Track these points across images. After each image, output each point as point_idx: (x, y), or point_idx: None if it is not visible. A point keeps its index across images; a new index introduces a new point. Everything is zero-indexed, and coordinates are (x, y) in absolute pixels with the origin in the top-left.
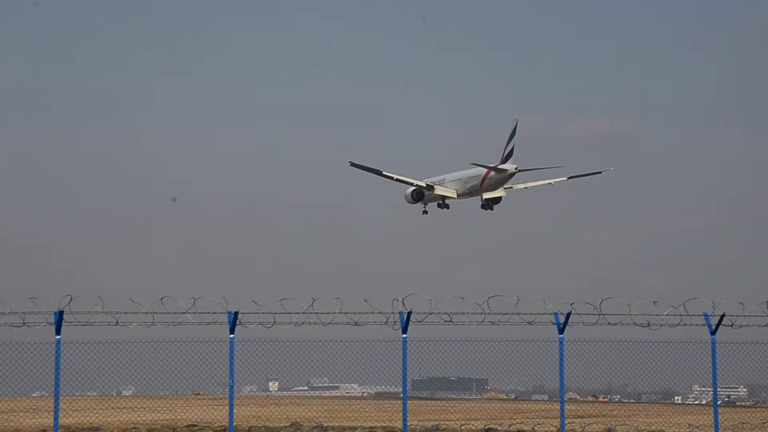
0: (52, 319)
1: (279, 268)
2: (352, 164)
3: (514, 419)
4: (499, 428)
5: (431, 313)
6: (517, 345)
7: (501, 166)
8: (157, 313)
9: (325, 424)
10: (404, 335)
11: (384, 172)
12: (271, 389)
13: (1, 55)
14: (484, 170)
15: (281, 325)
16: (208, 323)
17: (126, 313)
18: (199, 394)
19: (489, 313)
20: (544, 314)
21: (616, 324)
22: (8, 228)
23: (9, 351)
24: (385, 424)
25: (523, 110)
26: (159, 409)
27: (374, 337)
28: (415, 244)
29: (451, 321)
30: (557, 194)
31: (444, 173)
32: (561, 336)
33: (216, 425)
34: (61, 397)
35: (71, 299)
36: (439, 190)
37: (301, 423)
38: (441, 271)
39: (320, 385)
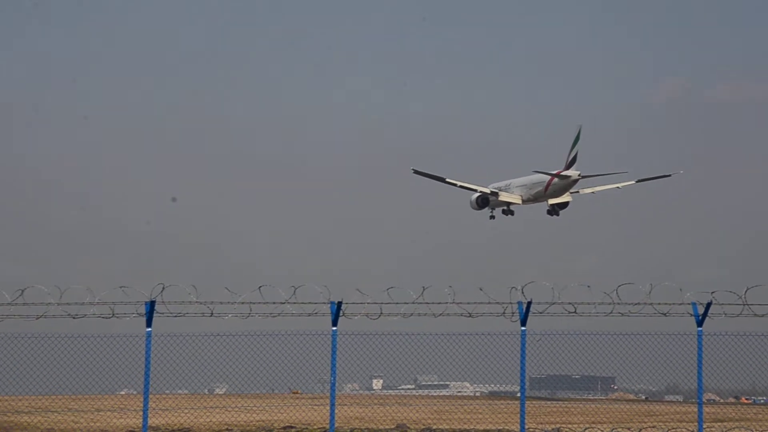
0: (142, 309)
1: (386, 254)
2: (416, 171)
3: (645, 422)
4: None
5: (553, 303)
6: (650, 339)
7: (564, 173)
8: (254, 303)
9: (434, 427)
10: (523, 328)
11: (448, 179)
12: (375, 387)
13: None
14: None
15: (388, 316)
16: (309, 314)
17: (221, 303)
18: (296, 393)
19: (618, 303)
20: (680, 304)
21: (763, 315)
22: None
23: (97, 344)
24: (500, 427)
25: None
26: (253, 408)
27: (490, 330)
28: (527, 235)
29: (575, 312)
30: (625, 199)
31: (511, 178)
32: (700, 329)
33: (315, 427)
34: (150, 395)
35: (164, 288)
36: (503, 197)
37: (407, 425)
38: (562, 259)
39: (429, 383)
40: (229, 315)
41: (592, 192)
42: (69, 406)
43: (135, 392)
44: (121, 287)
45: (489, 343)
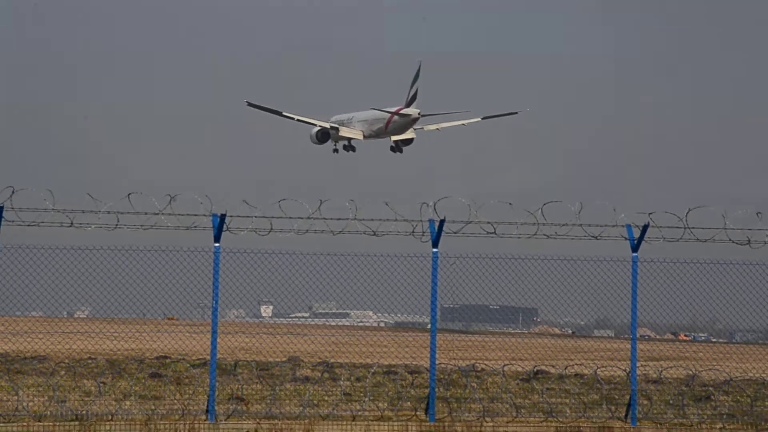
0: None
1: (279, 162)
2: (249, 104)
3: (571, 359)
4: (552, 371)
5: (470, 222)
6: (578, 265)
7: (404, 111)
8: (122, 213)
9: (331, 360)
10: (435, 249)
11: (284, 113)
12: (263, 315)
13: None
14: None
15: (279, 232)
16: (188, 228)
17: (83, 212)
18: (172, 319)
19: (543, 224)
20: (614, 226)
21: (706, 240)
22: None
23: None
24: (406, 362)
25: None
26: (121, 335)
27: (397, 252)
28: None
29: (494, 232)
30: (470, 134)
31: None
32: (635, 254)
33: (193, 358)
34: None
35: (14, 192)
36: (344, 132)
37: (300, 358)
38: (480, 175)
39: (326, 311)
40: (93, 226)
41: (437, 129)
42: None
43: None
44: None
45: (395, 266)
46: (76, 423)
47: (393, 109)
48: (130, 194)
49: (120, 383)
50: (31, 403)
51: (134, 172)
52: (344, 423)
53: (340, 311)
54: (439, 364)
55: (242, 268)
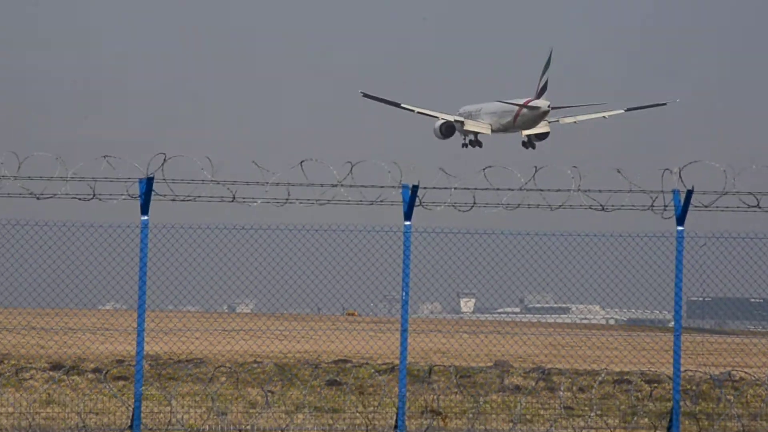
0: (135, 189)
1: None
2: (365, 95)
3: None
4: None
5: (725, 193)
6: None
7: (533, 103)
8: (293, 185)
9: (548, 366)
10: (680, 227)
11: (403, 105)
12: (464, 309)
13: None
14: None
15: (485, 207)
16: (372, 202)
17: (247, 183)
18: (353, 314)
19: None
20: None
21: None
22: None
23: (70, 236)
24: (643, 369)
25: None
26: (293, 335)
27: (631, 231)
28: None
29: (757, 206)
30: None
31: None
32: None
33: (379, 361)
34: (147, 313)
35: (165, 160)
36: (469, 125)
37: (509, 363)
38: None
39: (541, 305)
40: (259, 201)
41: (574, 122)
42: (32, 323)
43: (125, 307)
44: (104, 157)
45: (628, 248)
46: None
47: (521, 101)
48: (302, 161)
49: (291, 392)
50: (186, 416)
51: (302, 139)
52: None
53: (559, 305)
54: (685, 371)
55: (438, 253)
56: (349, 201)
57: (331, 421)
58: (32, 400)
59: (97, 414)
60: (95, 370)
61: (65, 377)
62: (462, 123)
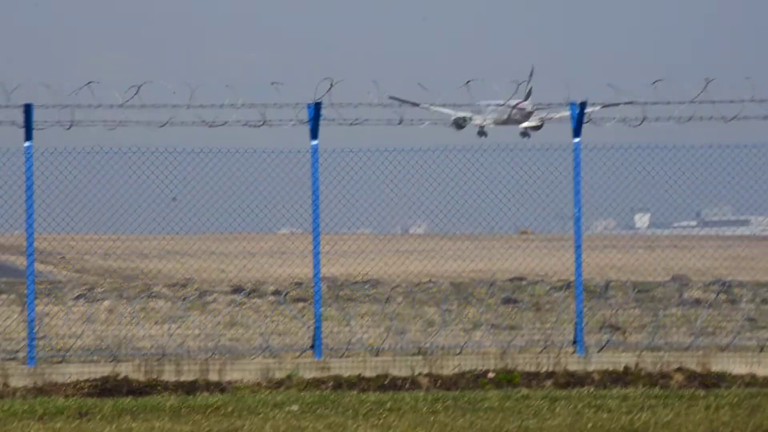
0: (304, 114)
1: None
2: (392, 98)
3: None
4: None
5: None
6: None
7: (521, 105)
8: (459, 105)
9: (728, 278)
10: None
11: (422, 104)
12: (638, 225)
13: None
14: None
15: (655, 121)
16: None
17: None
18: (526, 233)
19: None
20: None
21: None
22: None
23: (243, 163)
24: None
25: None
26: (466, 254)
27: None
28: None
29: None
30: None
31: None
32: None
33: (554, 278)
34: (321, 236)
35: (332, 85)
36: (476, 120)
37: (688, 276)
38: None
39: (719, 218)
40: (426, 123)
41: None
42: (211, 248)
43: (301, 230)
44: (272, 83)
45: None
46: (420, 357)
47: (514, 102)
48: (468, 81)
49: (468, 311)
50: (366, 335)
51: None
52: (749, 355)
53: (738, 218)
54: None
55: (609, 169)
56: (517, 120)
57: (509, 338)
58: (216, 322)
59: (279, 335)
60: (275, 293)
61: (246, 300)
62: (471, 118)
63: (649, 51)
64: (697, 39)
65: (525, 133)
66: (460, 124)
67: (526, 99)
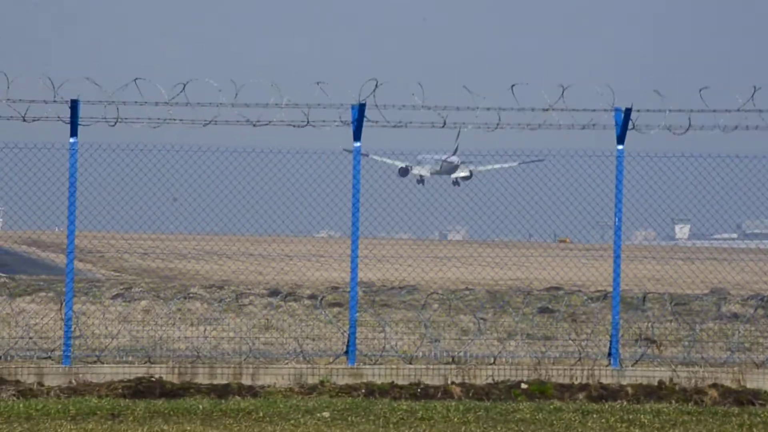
0: (348, 115)
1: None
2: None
3: None
4: None
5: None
6: None
7: (449, 159)
8: (504, 110)
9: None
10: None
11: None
12: (678, 236)
13: None
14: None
15: (700, 130)
16: (583, 127)
17: (458, 109)
18: (565, 241)
19: None
20: None
21: None
22: None
23: (286, 163)
24: None
25: None
26: (504, 262)
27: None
28: None
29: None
30: None
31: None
32: None
33: (591, 288)
34: (360, 240)
35: (377, 86)
36: (416, 170)
37: (727, 290)
38: None
39: (760, 231)
40: (470, 126)
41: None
42: (249, 250)
43: (339, 234)
44: (317, 83)
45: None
46: (453, 366)
47: (445, 156)
48: (513, 86)
49: (503, 319)
50: (400, 342)
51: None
52: None
53: None
54: None
55: (651, 177)
56: (560, 125)
57: (543, 349)
58: (251, 325)
59: (313, 340)
60: (311, 297)
61: (282, 303)
62: (412, 168)
63: (699, 58)
64: (741, 47)
65: (456, 182)
66: (402, 173)
67: (453, 154)
